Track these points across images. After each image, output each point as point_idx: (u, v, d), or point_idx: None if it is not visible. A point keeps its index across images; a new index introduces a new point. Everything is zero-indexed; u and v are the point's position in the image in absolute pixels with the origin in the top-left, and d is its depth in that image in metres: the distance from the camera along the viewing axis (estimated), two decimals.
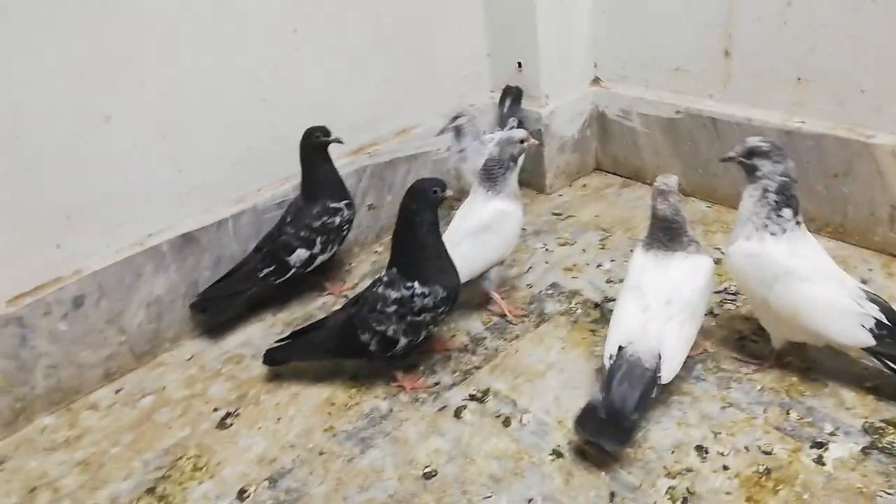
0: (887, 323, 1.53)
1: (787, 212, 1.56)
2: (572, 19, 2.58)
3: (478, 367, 1.92)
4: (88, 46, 1.86)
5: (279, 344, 1.99)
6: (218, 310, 2.19)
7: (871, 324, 1.53)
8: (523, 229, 2.47)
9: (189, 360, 2.15)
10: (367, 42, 2.40)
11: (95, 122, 1.93)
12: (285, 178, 2.34)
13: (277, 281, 2.21)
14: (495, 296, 2.10)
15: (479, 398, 1.81)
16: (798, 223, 1.58)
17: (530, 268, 2.31)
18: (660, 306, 1.62)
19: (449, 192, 1.75)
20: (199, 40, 2.05)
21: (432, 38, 2.55)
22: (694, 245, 1.69)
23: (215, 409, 1.93)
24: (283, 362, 2.01)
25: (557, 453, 1.61)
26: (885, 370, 1.55)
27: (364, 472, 1.65)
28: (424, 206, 1.73)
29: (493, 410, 1.77)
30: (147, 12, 1.94)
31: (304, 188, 2.23)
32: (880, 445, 1.49)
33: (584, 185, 2.79)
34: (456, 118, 2.32)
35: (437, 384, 1.88)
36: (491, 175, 1.97)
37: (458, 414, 1.77)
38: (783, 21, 2.07)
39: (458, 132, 2.35)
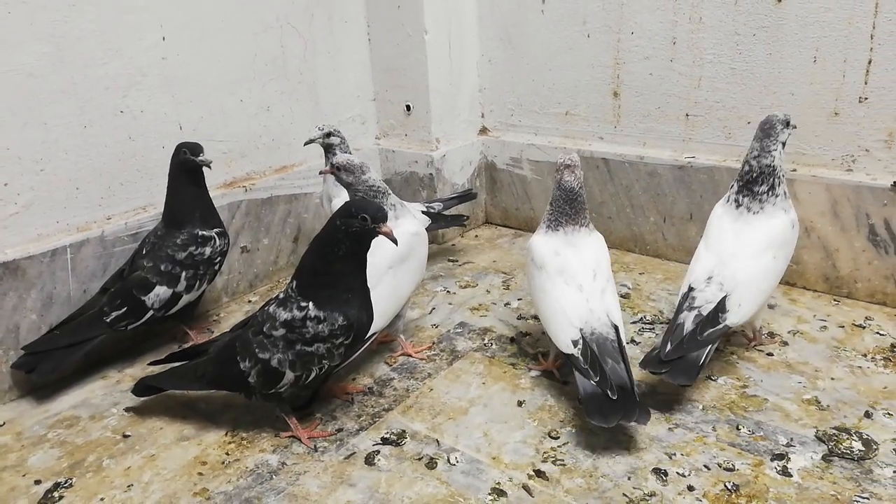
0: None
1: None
2: (462, 63, 2.55)
3: (387, 410, 1.62)
4: None
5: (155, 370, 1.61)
6: (48, 365, 1.71)
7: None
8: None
9: (0, 426, 1.63)
10: (247, 64, 2.18)
11: None
12: (142, 207, 1.97)
13: (130, 326, 1.79)
14: (400, 336, 1.84)
15: (393, 441, 1.50)
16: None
17: (433, 309, 2.08)
18: (590, 282, 1.60)
19: (384, 228, 1.41)
20: (43, 24, 1.71)
21: (315, 72, 2.39)
22: (589, 220, 1.70)
23: (37, 482, 1.44)
24: (155, 391, 1.62)
25: (498, 492, 1.34)
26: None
27: None
28: (345, 230, 1.40)
29: (413, 453, 1.46)
30: None
31: (167, 212, 1.87)
32: (839, 451, 1.38)
33: (476, 236, 2.67)
34: (329, 135, 2.10)
35: (339, 430, 1.55)
36: (379, 195, 1.73)
37: (369, 460, 1.45)
38: (669, 59, 2.15)
39: (329, 150, 2.12)
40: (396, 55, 2.48)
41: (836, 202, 1.92)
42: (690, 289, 1.64)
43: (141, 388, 1.64)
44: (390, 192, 1.78)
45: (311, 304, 1.43)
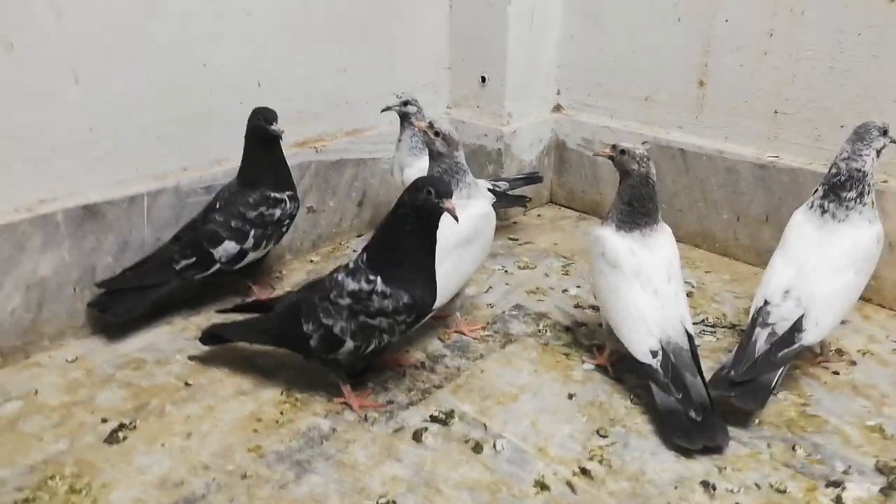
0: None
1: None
2: (542, 39, 2.48)
3: (438, 387, 1.64)
4: None
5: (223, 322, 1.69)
6: (122, 307, 1.79)
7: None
8: None
9: (72, 361, 1.73)
10: (325, 26, 2.17)
11: None
12: (216, 160, 2.01)
13: (197, 276, 1.85)
14: (456, 314, 1.84)
15: (441, 420, 1.52)
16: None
17: (490, 288, 2.08)
18: (664, 286, 1.56)
19: (447, 204, 1.38)
20: None
21: (395, 37, 2.36)
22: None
23: (104, 420, 1.52)
24: (223, 341, 1.68)
25: (542, 485, 1.35)
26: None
27: (301, 501, 1.31)
28: (410, 204, 1.41)
29: (460, 434, 1.48)
30: None
31: (242, 172, 1.91)
32: None
33: (539, 216, 2.63)
34: (406, 103, 2.08)
35: (390, 403, 1.58)
36: (459, 174, 1.72)
37: (417, 437, 1.47)
38: (763, 51, 2.04)
39: (405, 118, 2.11)
40: (476, 24, 2.43)
41: None
42: (766, 303, 1.57)
43: (207, 336, 1.70)
44: (469, 171, 1.76)
45: (379, 278, 1.44)
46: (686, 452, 1.42)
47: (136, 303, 1.81)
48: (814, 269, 1.57)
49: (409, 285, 1.45)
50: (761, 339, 1.53)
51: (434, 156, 1.75)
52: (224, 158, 2.01)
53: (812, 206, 1.64)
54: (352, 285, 1.46)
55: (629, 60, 2.37)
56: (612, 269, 1.59)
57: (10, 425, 1.51)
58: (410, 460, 1.41)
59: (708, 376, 1.53)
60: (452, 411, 1.55)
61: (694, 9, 2.16)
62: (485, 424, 1.51)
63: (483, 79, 2.48)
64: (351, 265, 1.50)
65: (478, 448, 1.44)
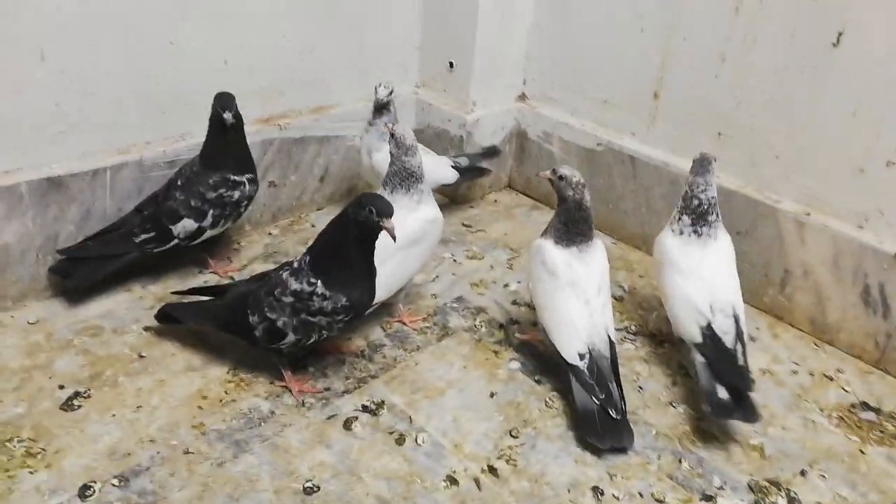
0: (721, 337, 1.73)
1: (686, 218, 1.81)
2: (511, 29, 2.52)
3: (374, 377, 1.78)
4: None
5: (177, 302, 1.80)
6: (82, 274, 1.89)
7: (705, 323, 1.73)
8: None
9: (33, 324, 1.84)
10: (293, 4, 2.19)
11: None
12: (180, 136, 2.07)
13: (156, 250, 1.95)
14: (399, 305, 1.97)
15: (372, 410, 1.68)
16: (697, 233, 1.81)
17: (436, 277, 2.21)
18: (595, 296, 1.71)
19: (387, 224, 1.50)
20: None
21: (366, 14, 2.38)
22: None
23: (61, 387, 1.65)
24: (174, 321, 1.80)
25: (452, 480, 1.52)
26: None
27: (236, 480, 1.47)
28: (353, 219, 1.52)
29: (387, 425, 1.64)
30: None
31: (204, 153, 1.98)
32: None
33: (496, 201, 2.74)
34: (391, 92, 2.14)
35: (327, 389, 1.72)
36: (411, 179, 1.83)
37: (348, 425, 1.63)
38: (714, 74, 2.13)
39: (383, 108, 2.17)
40: (447, 9, 2.46)
41: (839, 254, 1.96)
42: (709, 323, 1.72)
43: (161, 314, 1.81)
44: (423, 178, 1.85)
45: (319, 281, 1.56)
46: (593, 452, 1.60)
47: (96, 271, 1.90)
48: (714, 281, 1.76)
49: (348, 288, 1.57)
50: (739, 353, 1.70)
51: (391, 156, 1.84)
52: (188, 133, 2.07)
53: (683, 233, 1.80)
54: (294, 285, 1.58)
55: (593, 61, 2.43)
56: (550, 276, 1.73)
57: None
58: (339, 447, 1.57)
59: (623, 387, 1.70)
60: (383, 402, 1.70)
61: (656, 21, 2.22)
62: (410, 417, 1.67)
63: (451, 64, 2.53)
64: (295, 265, 1.62)
65: (401, 440, 1.60)
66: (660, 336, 2.01)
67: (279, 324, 1.60)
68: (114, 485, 1.43)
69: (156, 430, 1.56)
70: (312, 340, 1.63)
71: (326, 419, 1.64)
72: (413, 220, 1.83)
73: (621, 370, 1.82)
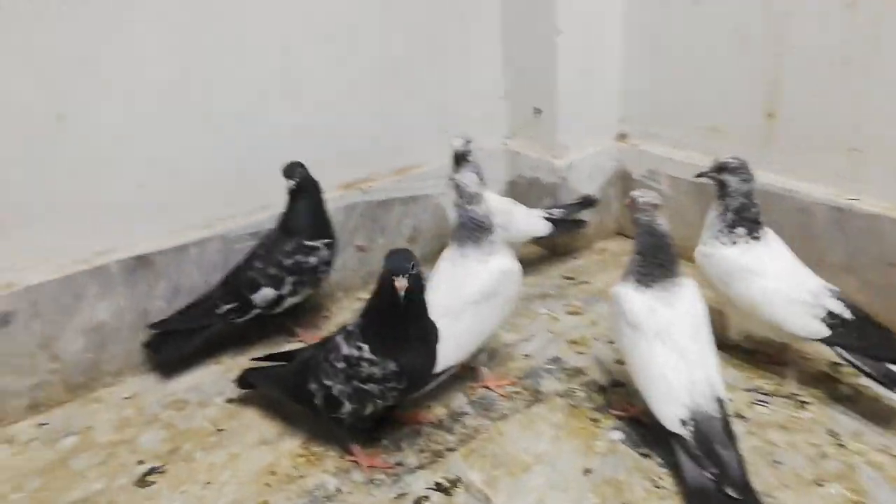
0: (844, 315, 1.60)
1: (740, 230, 1.70)
2: (600, 65, 2.35)
3: (451, 449, 1.61)
4: (45, 36, 1.66)
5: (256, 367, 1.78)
6: (171, 348, 1.92)
7: (823, 314, 1.60)
8: (529, 294, 2.21)
9: (128, 398, 1.87)
10: (371, 66, 2.18)
11: (46, 119, 1.71)
12: (262, 207, 2.09)
13: (238, 320, 1.94)
14: (483, 368, 1.80)
15: (445, 488, 1.50)
16: (755, 238, 1.70)
17: (531, 336, 2.01)
18: (690, 345, 1.46)
19: (397, 283, 1.36)
20: (173, 41, 1.84)
21: (444, 70, 2.34)
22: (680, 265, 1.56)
23: (140, 462, 1.64)
24: (250, 387, 1.78)
25: None
26: (844, 363, 1.60)
27: None
28: (380, 279, 1.43)
29: None
30: (116, 9, 1.74)
31: (282, 220, 1.98)
32: None
33: (603, 250, 2.51)
34: (468, 142, 2.05)
35: (399, 464, 1.57)
36: (479, 228, 1.69)
37: None
38: (839, 80, 1.81)
39: (462, 159, 2.07)
40: (527, 56, 2.35)
41: None
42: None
43: (242, 380, 1.78)
44: (492, 228, 1.71)
45: (367, 346, 1.45)
46: None
47: (184, 344, 1.93)
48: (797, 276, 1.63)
49: (398, 353, 1.44)
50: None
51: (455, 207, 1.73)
52: (270, 204, 2.07)
53: (738, 243, 1.69)
54: (345, 349, 1.48)
55: (693, 88, 2.20)
56: (632, 329, 1.50)
57: (63, 461, 1.66)
58: None
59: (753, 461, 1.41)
60: (459, 479, 1.52)
61: (761, 32, 1.95)
62: (488, 497, 1.47)
63: (536, 111, 2.39)
64: (349, 328, 1.51)
65: None
66: (800, 396, 1.67)
67: (335, 391, 1.49)
68: None
69: None
70: (370, 410, 1.51)
71: (395, 497, 1.48)
72: (485, 272, 1.68)
73: (752, 441, 1.53)
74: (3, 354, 1.74)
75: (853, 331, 1.57)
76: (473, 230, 1.68)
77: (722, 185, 1.71)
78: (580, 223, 2.34)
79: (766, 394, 1.71)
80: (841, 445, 1.52)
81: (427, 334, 1.47)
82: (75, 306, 1.82)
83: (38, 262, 1.77)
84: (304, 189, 1.91)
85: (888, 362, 1.53)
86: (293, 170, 1.88)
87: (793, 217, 1.97)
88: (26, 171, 1.71)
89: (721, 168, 1.70)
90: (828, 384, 1.72)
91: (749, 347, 1.86)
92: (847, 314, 1.59)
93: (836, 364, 1.76)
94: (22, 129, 1.68)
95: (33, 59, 1.65)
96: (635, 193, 1.56)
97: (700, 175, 1.77)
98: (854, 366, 1.56)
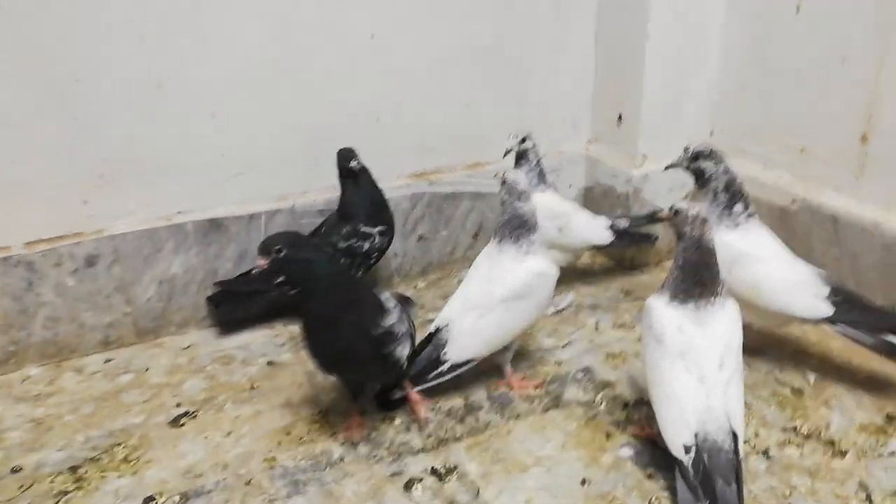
0: (842, 294, 1.65)
1: (738, 207, 1.71)
2: (689, 79, 2.24)
3: (458, 439, 1.61)
4: (153, 5, 1.83)
5: None
6: (230, 306, 2.08)
7: (825, 293, 1.65)
8: (579, 303, 2.16)
9: (185, 348, 2.04)
10: (451, 58, 2.21)
11: (148, 86, 1.90)
12: (333, 186, 2.18)
13: (291, 291, 2.06)
14: (507, 367, 1.79)
15: (440, 474, 1.51)
16: (750, 215, 1.71)
17: (569, 343, 1.97)
18: (714, 372, 1.38)
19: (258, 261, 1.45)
20: (268, 25, 1.97)
21: (532, 65, 2.32)
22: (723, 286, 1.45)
23: (178, 405, 1.79)
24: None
25: None
26: (849, 338, 1.64)
27: None
28: None
29: (449, 494, 1.45)
30: None
31: (341, 205, 2.07)
32: None
33: None
34: (524, 140, 2.04)
35: (404, 444, 1.60)
36: (520, 226, 1.68)
37: (408, 486, 1.48)
38: None
39: (522, 156, 2.06)
40: (616, 59, 2.29)
41: None
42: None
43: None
44: (535, 228, 1.70)
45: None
46: None
47: (241, 305, 2.08)
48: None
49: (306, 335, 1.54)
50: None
51: (501, 204, 1.73)
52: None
53: (741, 225, 1.68)
54: None
55: (788, 104, 2.04)
56: (656, 342, 1.43)
57: (116, 394, 1.84)
58: None
59: (764, 498, 1.33)
60: (455, 468, 1.52)
61: (862, 47, 1.78)
62: (479, 490, 1.46)
63: (619, 117, 2.33)
64: None
65: None
66: (839, 446, 1.51)
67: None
68: (174, 501, 1.47)
69: (232, 457, 1.59)
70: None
71: (390, 475, 1.51)
72: (520, 271, 1.67)
73: (770, 481, 1.42)
74: (85, 291, 1.97)
75: (852, 308, 1.64)
76: (517, 227, 1.68)
77: (700, 174, 1.74)
78: (648, 237, 2.24)
79: (803, 436, 1.56)
80: (869, 501, 1.35)
81: (331, 322, 1.47)
82: (153, 257, 2.02)
83: (126, 214, 1.98)
84: (361, 174, 1.99)
85: (884, 334, 1.61)
86: (351, 153, 1.96)
87: (878, 254, 1.79)
88: (125, 133, 1.91)
89: (696, 156, 1.73)
90: (876, 437, 1.54)
91: (797, 386, 1.71)
92: (842, 293, 1.66)
93: (891, 417, 1.57)
94: (126, 95, 1.88)
95: (140, 28, 1.84)
96: (682, 205, 1.48)
97: (669, 167, 1.81)
98: (855, 340, 1.64)
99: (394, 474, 1.52)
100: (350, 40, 2.08)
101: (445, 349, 1.66)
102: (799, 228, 2.00)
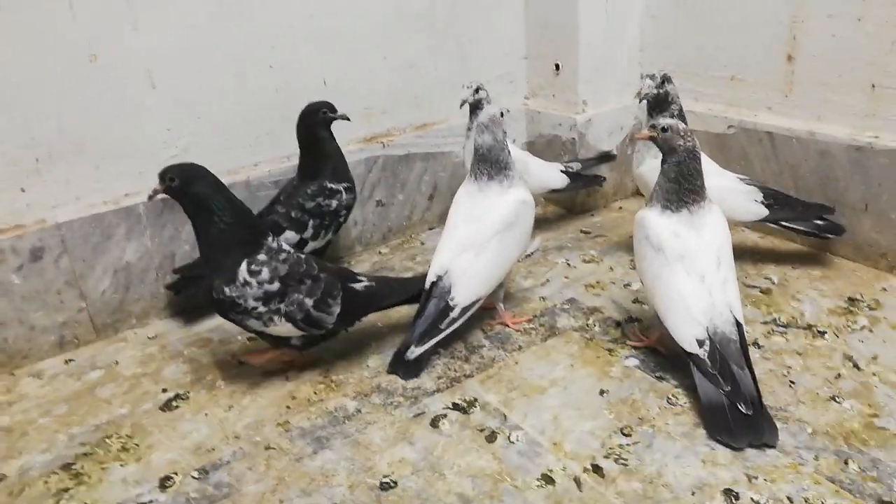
0: (772, 194, 1.90)
1: None
2: (620, 20, 2.36)
3: (468, 376, 1.63)
4: None
5: None
6: (192, 291, 1.96)
7: (759, 198, 1.89)
8: (545, 247, 2.23)
9: (152, 338, 1.91)
10: (393, 20, 2.22)
11: (80, 60, 1.77)
12: (286, 157, 2.13)
13: None
14: (499, 305, 1.82)
15: (463, 408, 1.51)
16: None
17: (547, 281, 2.03)
18: (713, 271, 1.46)
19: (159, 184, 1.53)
20: None
21: (467, 27, 2.36)
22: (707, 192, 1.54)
23: (164, 390, 1.68)
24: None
25: (548, 479, 1.30)
26: (788, 229, 1.93)
27: (311, 475, 1.36)
28: None
29: (478, 423, 1.46)
30: None
31: (302, 167, 2.01)
32: None
33: (620, 209, 2.52)
34: (478, 90, 2.07)
35: (417, 388, 1.59)
36: (498, 162, 1.71)
37: (435, 423, 1.48)
38: (857, 17, 1.81)
39: (476, 108, 2.10)
40: (550, 12, 2.37)
41: None
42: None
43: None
44: (511, 165, 1.73)
45: None
46: (728, 449, 1.31)
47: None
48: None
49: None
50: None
51: (486, 148, 1.74)
52: (293, 154, 2.12)
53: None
54: None
55: (713, 38, 2.20)
56: (655, 252, 1.50)
57: (89, 391, 1.70)
58: (422, 445, 1.42)
59: (767, 383, 1.40)
60: (475, 400, 1.53)
61: None
62: (505, 415, 1.48)
63: (557, 66, 2.41)
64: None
65: (492, 437, 1.42)
66: (818, 326, 1.66)
67: None
68: (193, 477, 1.39)
69: (242, 428, 1.52)
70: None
71: (413, 417, 1.50)
72: (506, 203, 1.70)
73: (768, 365, 1.53)
74: (33, 290, 1.80)
75: (784, 205, 1.89)
76: (494, 165, 1.70)
77: (665, 97, 1.85)
78: (598, 179, 2.35)
79: (783, 325, 1.70)
80: (857, 368, 1.51)
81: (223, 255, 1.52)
82: (103, 245, 1.87)
83: (69, 201, 1.83)
84: (326, 131, 1.96)
85: (815, 219, 1.90)
86: (327, 104, 1.94)
87: (814, 161, 1.97)
88: (59, 110, 1.77)
89: (664, 80, 1.84)
90: (845, 317, 1.71)
91: (765, 287, 1.86)
92: (772, 195, 1.89)
93: (852, 299, 1.75)
94: (55, 69, 1.73)
95: None
96: (668, 121, 1.52)
97: (645, 96, 1.84)
98: (793, 230, 1.92)
99: (416, 415, 1.51)
100: (290, 4, 2.02)
101: (451, 294, 1.66)
102: (736, 150, 2.16)
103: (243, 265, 1.51)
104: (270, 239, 1.57)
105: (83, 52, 1.76)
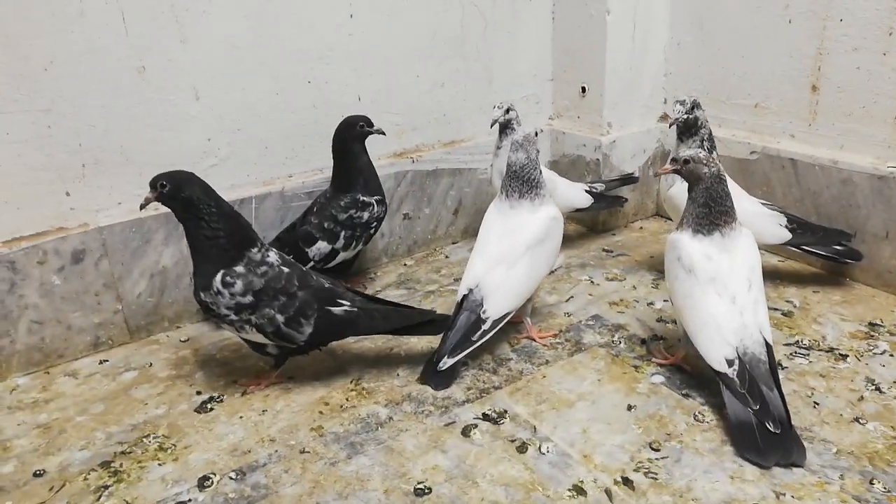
0: (794, 219, 1.99)
1: (715, 153, 1.93)
2: (646, 46, 2.43)
3: (497, 388, 1.66)
4: None
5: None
6: None
7: (784, 222, 1.97)
8: (568, 264, 2.27)
9: (185, 342, 1.96)
10: (426, 42, 2.29)
11: (129, 71, 1.83)
12: (319, 169, 2.19)
13: None
14: (527, 319, 1.86)
15: (493, 419, 1.55)
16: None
17: (571, 297, 2.07)
18: (744, 293, 1.50)
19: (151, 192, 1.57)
20: (248, 6, 1.95)
21: (496, 50, 2.43)
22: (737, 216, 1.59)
23: (198, 393, 1.72)
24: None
25: (579, 490, 1.33)
26: (808, 253, 2.00)
27: (346, 479, 1.40)
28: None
29: (508, 434, 1.50)
30: None
31: (336, 179, 2.07)
32: None
33: (641, 228, 2.56)
34: (508, 111, 2.13)
35: (447, 398, 1.63)
36: (530, 180, 1.76)
37: (466, 432, 1.51)
38: (882, 52, 1.86)
39: (505, 127, 2.16)
40: (577, 35, 2.44)
41: None
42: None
43: None
44: (542, 184, 1.79)
45: None
46: (741, 473, 1.34)
47: None
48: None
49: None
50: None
51: (519, 165, 1.79)
52: (326, 167, 2.18)
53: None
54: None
55: (737, 66, 2.25)
56: (686, 273, 1.54)
57: (124, 391, 1.75)
58: (455, 453, 1.45)
59: (792, 404, 1.43)
60: (505, 411, 1.57)
61: (807, 7, 2.01)
62: (535, 427, 1.51)
63: (583, 89, 2.47)
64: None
65: (523, 448, 1.45)
66: (839, 350, 1.69)
67: None
68: (231, 478, 1.42)
69: (276, 431, 1.56)
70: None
71: (444, 426, 1.54)
72: (538, 219, 1.76)
73: (792, 386, 1.56)
74: (72, 289, 1.85)
75: (805, 230, 1.97)
76: (525, 183, 1.75)
77: (695, 122, 1.90)
78: (620, 199, 2.40)
79: (805, 348, 1.73)
80: (879, 391, 1.54)
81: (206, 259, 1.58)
82: (142, 249, 1.93)
83: (111, 206, 1.89)
84: (361, 145, 2.01)
85: (834, 244, 1.97)
86: (364, 118, 2.00)
87: (835, 188, 2.01)
88: (107, 119, 1.83)
89: (694, 105, 1.88)
90: (866, 341, 1.74)
91: (786, 309, 1.89)
92: (795, 220, 1.97)
93: (873, 324, 1.79)
94: (106, 80, 1.80)
95: (120, 8, 1.77)
96: (689, 153, 1.56)
97: (675, 121, 1.88)
98: (813, 254, 1.99)
99: (447, 424, 1.54)
100: (330, 25, 2.09)
101: (483, 307, 1.70)
102: (759, 176, 2.21)
103: (218, 276, 1.56)
104: (256, 250, 1.61)
105: (133, 64, 1.83)
